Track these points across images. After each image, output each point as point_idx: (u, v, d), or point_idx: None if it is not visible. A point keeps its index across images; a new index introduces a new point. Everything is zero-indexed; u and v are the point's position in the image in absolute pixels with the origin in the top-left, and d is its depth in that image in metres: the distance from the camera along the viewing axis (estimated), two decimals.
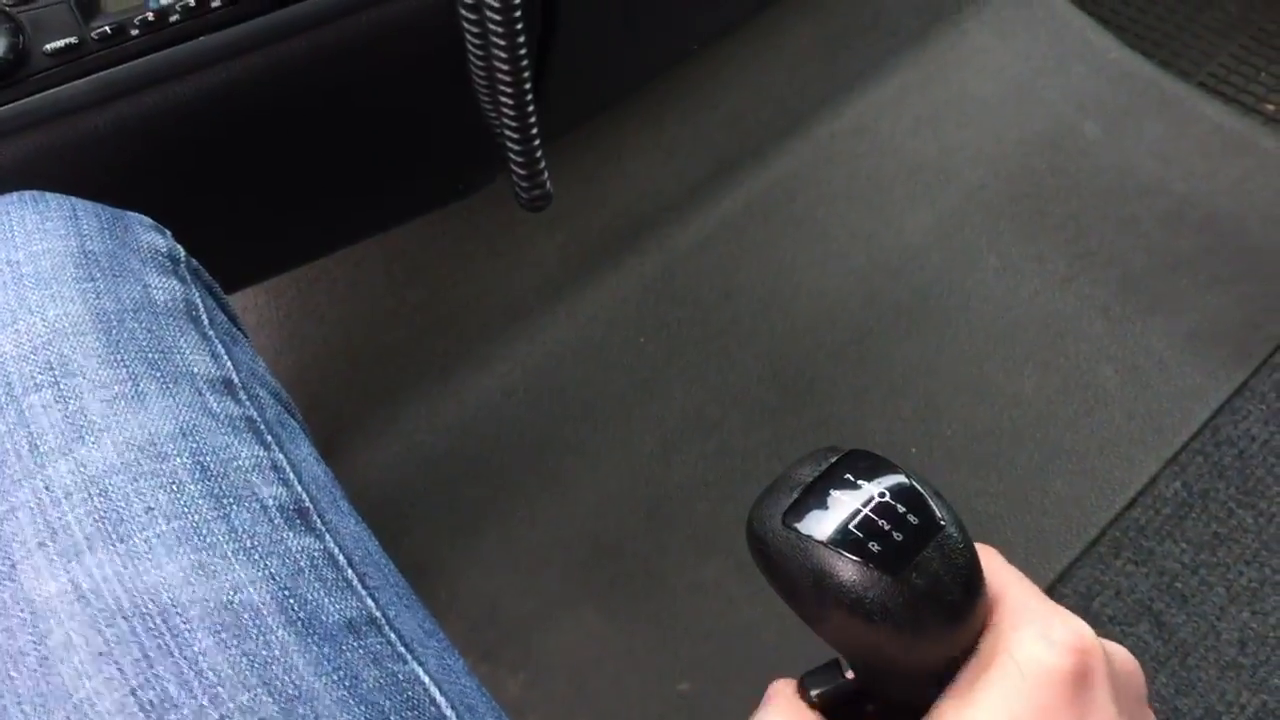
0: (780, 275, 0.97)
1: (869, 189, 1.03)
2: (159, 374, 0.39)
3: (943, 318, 0.96)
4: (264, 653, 0.33)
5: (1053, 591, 0.83)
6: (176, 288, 0.42)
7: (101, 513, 0.35)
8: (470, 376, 0.91)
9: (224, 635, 0.33)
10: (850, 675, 0.40)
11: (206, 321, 0.42)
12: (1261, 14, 1.18)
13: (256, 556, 0.35)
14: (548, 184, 0.58)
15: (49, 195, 0.44)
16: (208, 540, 0.35)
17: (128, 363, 0.39)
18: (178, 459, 0.36)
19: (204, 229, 0.51)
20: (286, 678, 0.33)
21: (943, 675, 0.40)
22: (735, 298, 0.96)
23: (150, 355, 0.39)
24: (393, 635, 0.36)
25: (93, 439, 0.36)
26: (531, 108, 0.52)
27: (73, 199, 0.44)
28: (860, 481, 0.39)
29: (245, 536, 0.35)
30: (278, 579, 0.35)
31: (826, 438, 0.89)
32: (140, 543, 0.34)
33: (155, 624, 0.33)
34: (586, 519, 0.86)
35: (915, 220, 1.01)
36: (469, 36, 0.53)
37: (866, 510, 0.38)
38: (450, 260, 0.92)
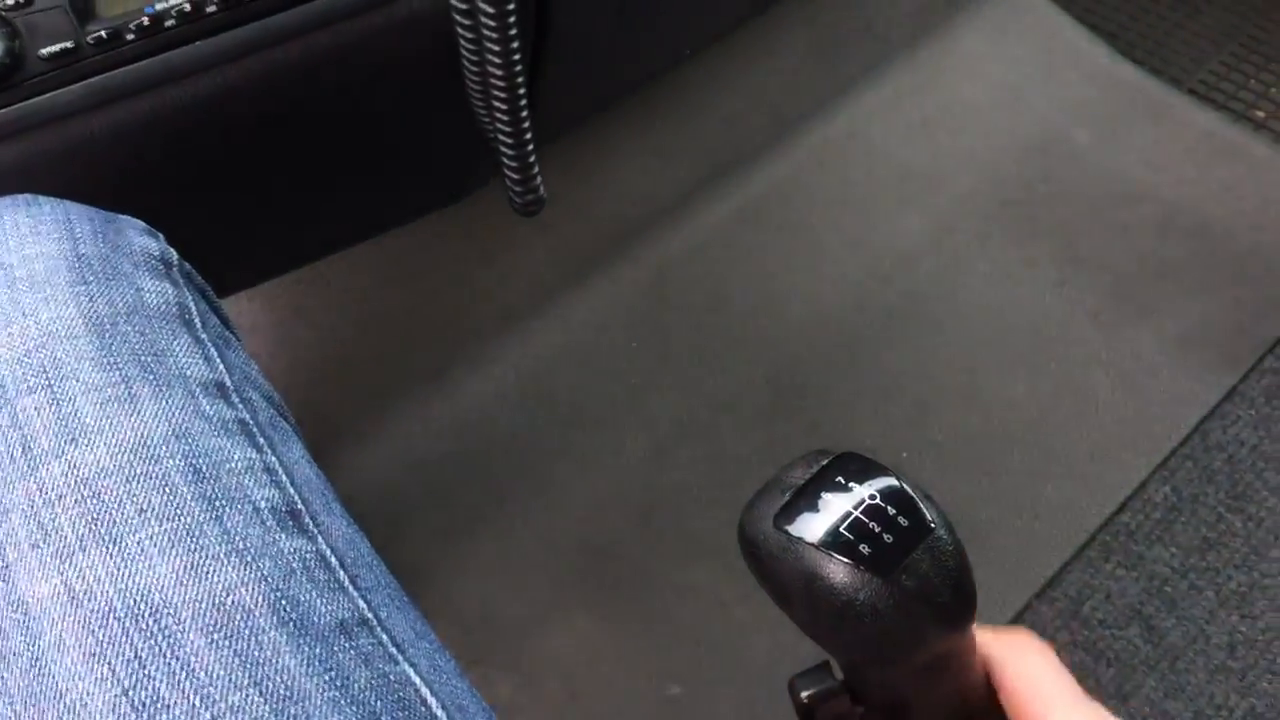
0: (772, 280, 0.97)
1: (861, 194, 1.03)
2: (152, 377, 0.39)
3: (934, 323, 0.97)
4: (255, 653, 0.33)
5: (1043, 595, 0.83)
6: (169, 291, 0.43)
7: (94, 514, 0.35)
8: (462, 380, 0.91)
9: (216, 636, 0.33)
10: (841, 677, 0.41)
11: (199, 324, 0.42)
12: (1251, 21, 1.19)
13: (249, 558, 0.35)
14: (541, 188, 0.58)
15: (42, 199, 0.44)
16: (200, 542, 0.35)
17: (120, 366, 0.39)
18: (170, 461, 0.36)
19: (198, 233, 0.51)
20: (278, 678, 0.33)
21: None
22: (727, 303, 0.97)
23: (143, 358, 0.39)
24: (384, 636, 0.36)
25: (85, 441, 0.37)
26: (525, 112, 0.52)
27: (66, 203, 0.44)
28: (851, 484, 0.39)
29: (238, 538, 0.35)
30: (270, 580, 0.35)
31: (818, 442, 0.89)
32: (133, 544, 0.34)
33: (147, 625, 0.33)
34: (578, 523, 0.86)
35: (906, 226, 1.02)
36: (462, 40, 0.53)
37: (857, 513, 0.38)
38: (442, 265, 0.92)
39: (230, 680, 0.32)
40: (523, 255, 0.95)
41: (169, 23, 0.52)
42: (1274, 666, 0.81)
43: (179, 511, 0.35)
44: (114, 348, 0.39)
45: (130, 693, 0.32)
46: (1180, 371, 0.94)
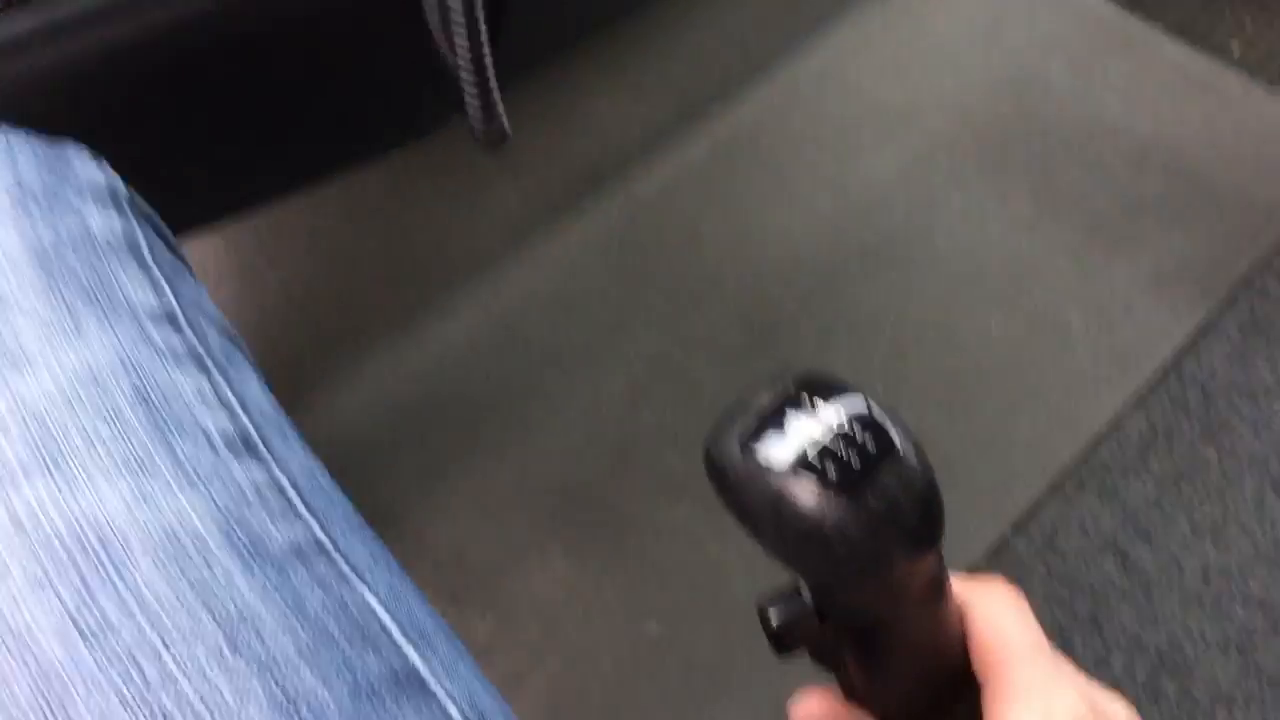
0: (746, 219, 0.97)
1: (834, 133, 1.02)
2: (97, 306, 0.38)
3: (909, 261, 0.96)
4: (206, 577, 0.32)
5: (1018, 529, 0.84)
6: (116, 220, 0.42)
7: (39, 442, 0.34)
8: (434, 324, 0.90)
9: (165, 561, 0.32)
10: (809, 600, 0.40)
11: (148, 254, 0.41)
12: None
13: (200, 485, 0.34)
14: (503, 120, 0.57)
15: None
16: (149, 469, 0.34)
17: (65, 295, 0.38)
18: (118, 389, 0.36)
19: (151, 170, 0.50)
20: (230, 602, 0.32)
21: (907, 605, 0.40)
22: (701, 243, 0.96)
23: (88, 287, 0.38)
24: (341, 561, 0.36)
25: (30, 370, 0.36)
26: (484, 35, 0.51)
27: (8, 131, 0.43)
28: (818, 405, 0.39)
29: (188, 465, 0.35)
30: (221, 506, 0.34)
31: None
32: (79, 471, 0.34)
33: (94, 551, 0.32)
34: (554, 464, 0.86)
35: (881, 164, 1.01)
36: None
37: (825, 434, 0.38)
38: (411, 208, 0.91)
39: (180, 604, 0.32)
40: (494, 197, 0.94)
41: None
42: (1246, 594, 0.82)
43: (127, 439, 0.35)
44: (59, 277, 0.38)
45: (77, 618, 0.31)
46: (1155, 306, 0.93)
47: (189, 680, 0.31)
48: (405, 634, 0.35)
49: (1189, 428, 0.88)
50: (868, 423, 0.39)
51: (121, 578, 0.32)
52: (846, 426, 0.38)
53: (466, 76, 0.53)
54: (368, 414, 0.86)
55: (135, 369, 0.36)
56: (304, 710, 0.31)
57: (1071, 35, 1.09)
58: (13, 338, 0.36)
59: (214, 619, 0.32)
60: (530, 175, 0.96)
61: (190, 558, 0.33)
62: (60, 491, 0.33)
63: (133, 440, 0.35)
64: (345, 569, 0.36)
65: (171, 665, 0.31)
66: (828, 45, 1.07)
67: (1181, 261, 0.95)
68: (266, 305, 0.87)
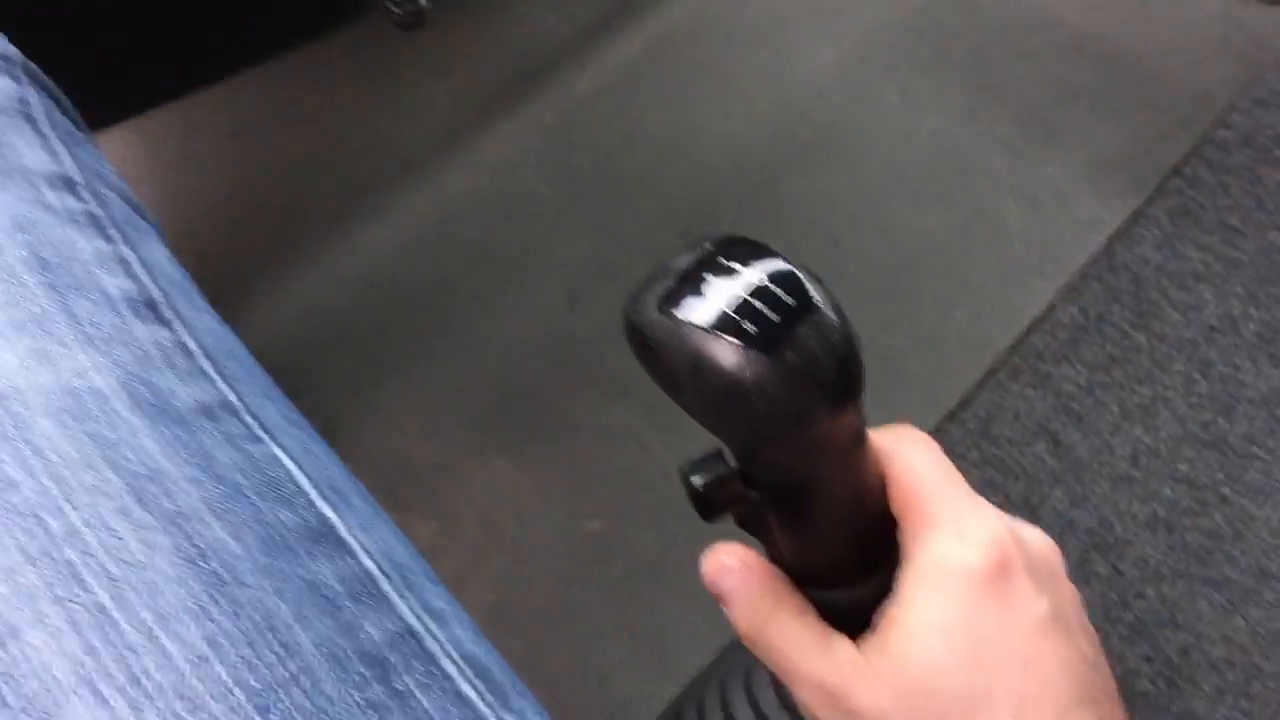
0: (681, 118, 0.96)
1: (770, 28, 1.01)
2: None
3: (845, 156, 0.96)
4: (110, 435, 0.32)
5: (953, 417, 0.85)
6: (9, 86, 0.40)
7: None
8: (366, 229, 0.89)
9: (66, 419, 0.32)
10: (733, 463, 0.41)
11: (43, 121, 0.40)
12: None
13: (100, 344, 0.34)
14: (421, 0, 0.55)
15: None
16: (47, 329, 0.33)
17: None
18: (12, 251, 0.35)
19: (56, 53, 0.48)
20: (135, 458, 0.32)
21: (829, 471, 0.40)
22: (636, 143, 0.95)
23: None
24: (250, 420, 0.35)
25: None
26: None
27: None
28: (736, 266, 0.39)
29: (88, 325, 0.34)
30: (124, 365, 0.34)
31: None
32: None
33: None
34: (492, 368, 0.86)
35: (817, 59, 1.00)
36: None
37: (743, 293, 0.37)
38: (338, 109, 0.89)
39: (83, 461, 0.31)
40: (423, 97, 0.92)
41: None
42: (1175, 474, 0.84)
43: (23, 299, 0.34)
44: None
45: None
46: (1088, 196, 0.94)
47: (94, 534, 0.30)
48: (319, 490, 0.35)
49: (1120, 314, 0.90)
50: (786, 281, 0.39)
51: (21, 435, 0.31)
52: (764, 285, 0.38)
53: None
54: (300, 321, 0.85)
55: (30, 230, 0.35)
56: (214, 562, 0.31)
57: None
58: None
59: (118, 475, 0.31)
60: (460, 74, 0.94)
61: (92, 415, 0.32)
62: None
63: (29, 301, 0.34)
64: (256, 428, 0.35)
65: (76, 520, 0.31)
66: None
67: (1114, 151, 0.96)
68: (190, 209, 0.85)
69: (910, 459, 0.39)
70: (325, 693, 0.30)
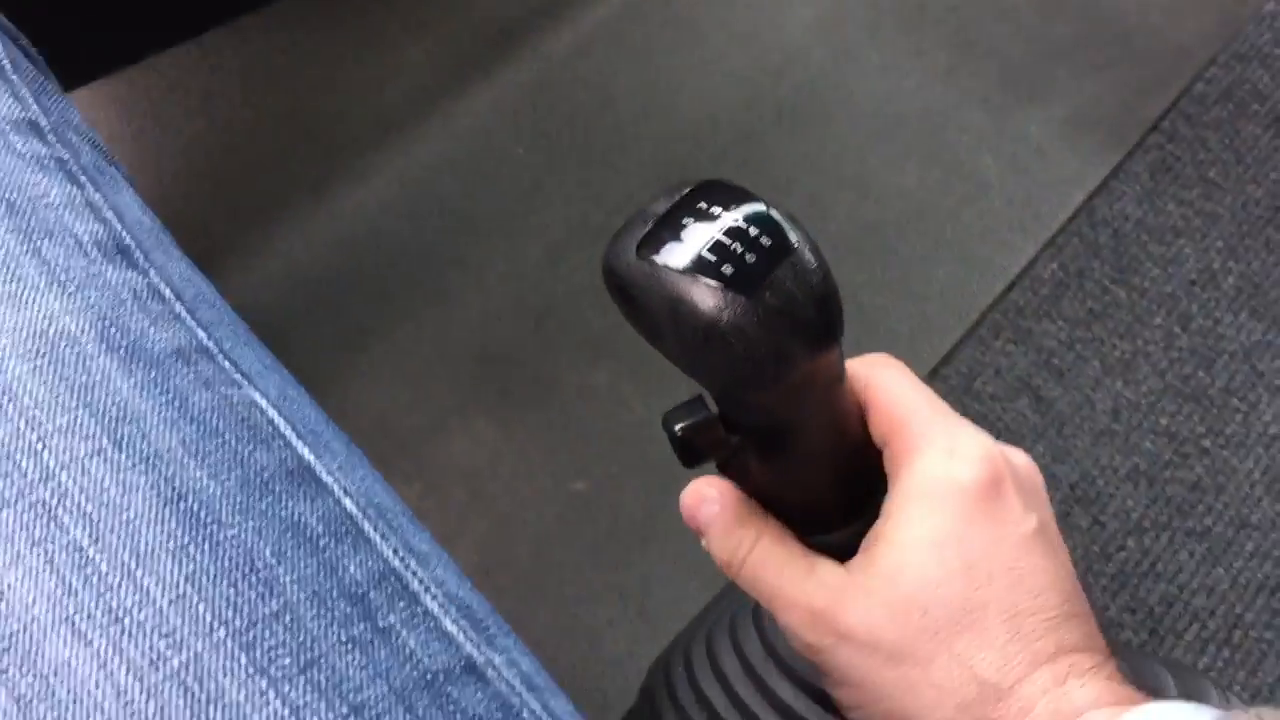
0: (660, 78, 0.95)
1: None
2: None
3: (824, 115, 0.95)
4: (83, 378, 0.32)
5: (935, 374, 0.85)
6: None
7: None
8: (344, 192, 0.88)
9: (39, 362, 0.31)
10: (714, 409, 0.40)
11: (9, 66, 0.39)
12: None
13: (72, 288, 0.33)
14: None
15: None
16: (15, 273, 0.33)
17: None
18: None
19: (20, 11, 0.47)
20: (109, 400, 0.31)
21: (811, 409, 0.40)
22: (615, 104, 0.94)
23: None
24: (227, 364, 0.35)
25: None
26: None
27: None
28: (714, 210, 0.38)
29: (58, 269, 0.34)
30: (96, 309, 0.33)
31: None
32: None
33: None
34: (474, 330, 0.85)
35: (795, 18, 0.99)
36: None
37: (720, 236, 0.37)
38: (313, 69, 0.88)
39: (57, 403, 0.31)
40: (398, 58, 0.91)
41: None
42: (1155, 427, 0.84)
43: None
44: None
45: None
46: (1068, 152, 0.94)
47: (70, 476, 0.30)
48: (297, 433, 0.34)
49: (1100, 269, 0.90)
50: (763, 223, 0.39)
51: None
52: (742, 228, 0.38)
53: None
54: (278, 285, 0.84)
55: None
56: (192, 502, 0.31)
57: None
58: None
59: (93, 417, 0.31)
60: (435, 35, 0.93)
61: (65, 359, 0.32)
62: None
63: None
64: (232, 372, 0.35)
65: (50, 461, 0.30)
66: None
67: (1094, 107, 0.96)
68: (163, 172, 0.84)
69: (889, 384, 0.39)
70: (308, 630, 0.30)
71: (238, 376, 0.35)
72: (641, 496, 0.80)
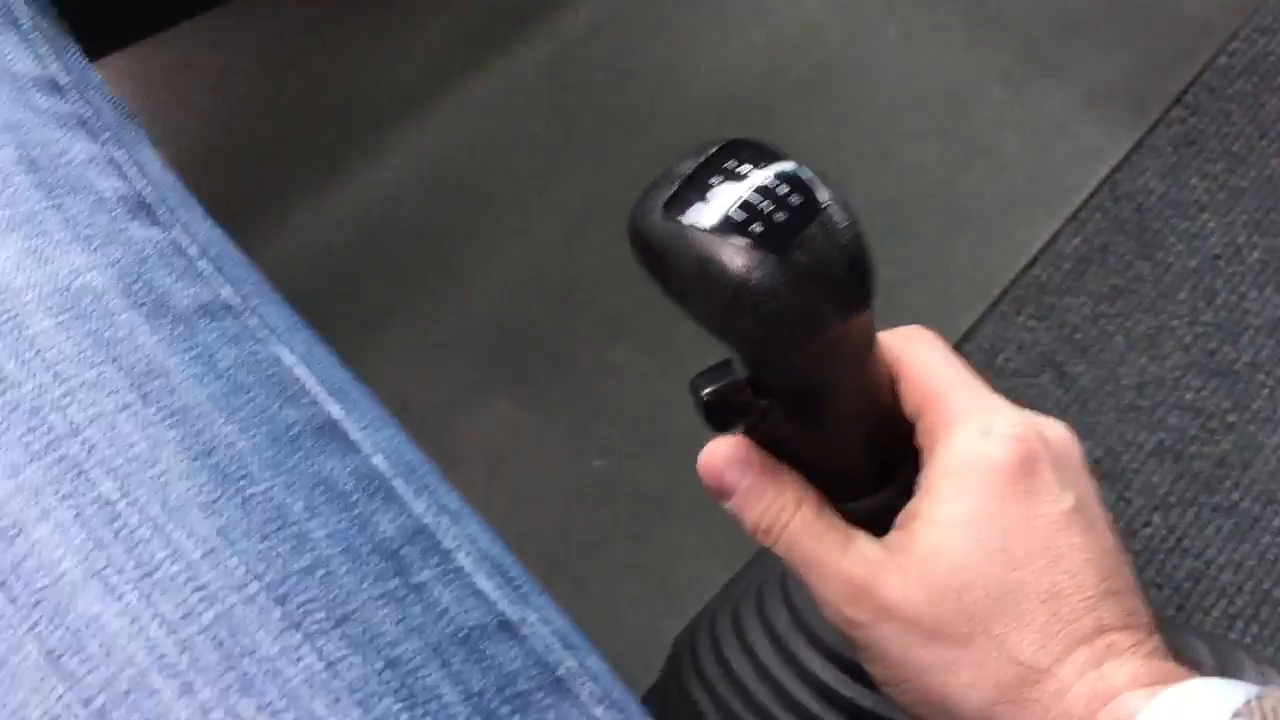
0: (677, 55, 0.94)
1: None
2: None
3: (844, 91, 0.95)
4: (109, 333, 0.31)
5: (958, 350, 0.84)
6: None
7: None
8: (360, 170, 0.87)
9: (64, 317, 0.31)
10: (742, 373, 0.40)
11: (27, 25, 0.39)
12: None
13: (95, 244, 0.33)
14: None
15: None
16: (39, 228, 0.32)
17: None
18: (1, 152, 0.34)
19: None
20: (136, 355, 0.31)
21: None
22: (632, 80, 0.93)
23: None
24: (253, 320, 0.34)
25: None
26: None
27: None
28: (743, 168, 0.38)
29: (82, 225, 0.33)
30: (121, 265, 0.33)
31: None
32: None
33: None
34: (492, 308, 0.85)
35: None
36: None
37: (749, 194, 0.37)
38: (329, 47, 0.88)
39: (83, 358, 0.31)
40: (415, 36, 0.91)
41: None
42: (1180, 402, 0.83)
43: (13, 200, 0.33)
44: None
45: None
46: (1090, 126, 0.93)
47: (98, 430, 0.30)
48: (325, 390, 0.34)
49: (1124, 244, 0.89)
50: (793, 181, 0.38)
51: (18, 333, 0.31)
52: (772, 186, 0.37)
53: None
54: (295, 263, 0.84)
55: (17, 131, 0.35)
56: (222, 457, 0.30)
57: None
58: None
59: (120, 372, 0.31)
60: (452, 12, 0.92)
61: (89, 314, 0.31)
62: None
63: (19, 201, 0.33)
64: (258, 328, 0.34)
65: (78, 416, 0.30)
66: None
67: (1116, 81, 0.95)
68: (180, 150, 0.83)
69: (923, 357, 0.39)
70: (342, 585, 0.29)
71: (264, 333, 0.34)
72: (662, 472, 0.80)
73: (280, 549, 0.29)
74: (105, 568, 0.28)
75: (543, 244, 0.87)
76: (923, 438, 0.37)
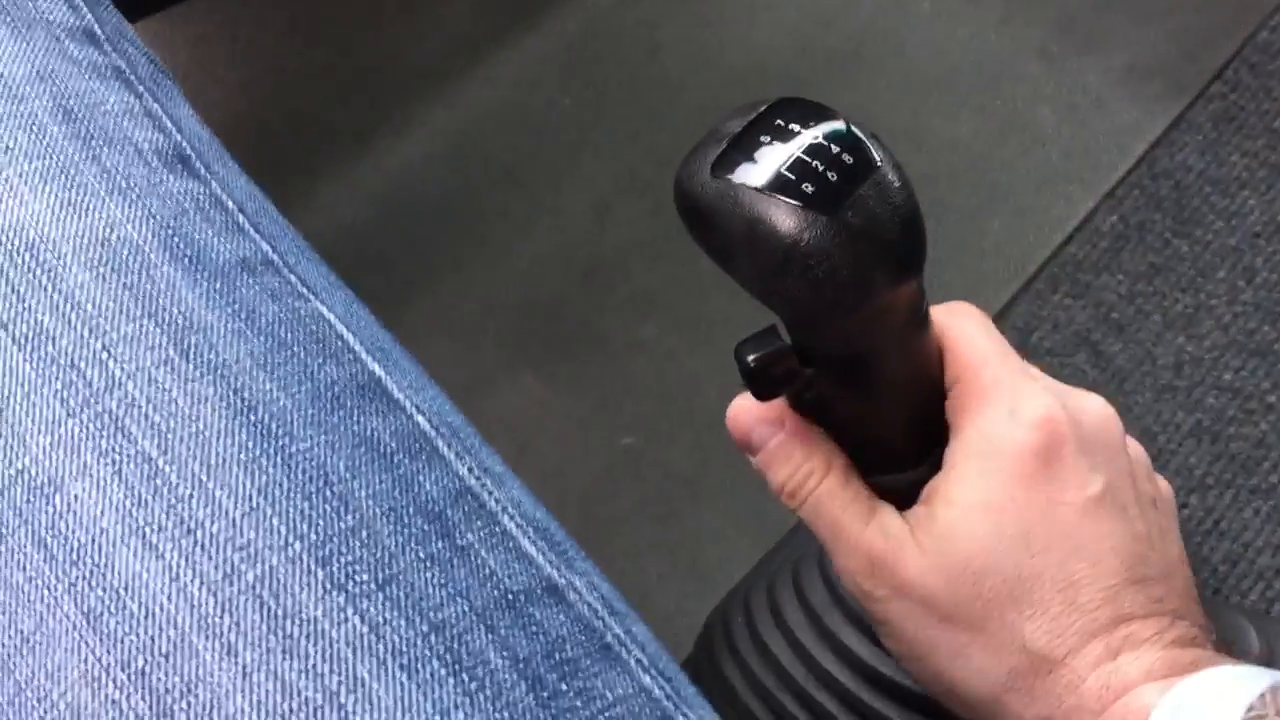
0: (707, 27, 0.93)
1: None
2: (8, 19, 0.35)
3: (877, 66, 0.93)
4: (147, 287, 0.30)
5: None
6: None
7: None
8: (388, 144, 0.87)
9: (102, 270, 0.30)
10: (787, 340, 0.39)
11: None
12: None
13: (133, 196, 0.32)
14: None
15: None
16: (76, 180, 0.32)
17: None
18: (36, 101, 0.33)
19: None
20: (175, 309, 0.30)
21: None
22: (661, 53, 0.92)
23: None
24: (292, 277, 0.34)
25: None
26: None
27: None
28: (793, 127, 0.37)
29: (119, 176, 0.32)
30: (158, 218, 0.32)
31: None
32: None
33: (22, 259, 0.30)
34: (520, 284, 0.84)
35: None
36: None
37: (800, 153, 0.36)
38: (357, 19, 0.87)
39: (121, 312, 0.30)
40: (442, 9, 0.90)
41: None
42: (1219, 383, 0.82)
43: (50, 150, 0.32)
44: None
45: (10, 326, 0.29)
46: (1127, 102, 0.91)
47: (137, 385, 0.29)
48: (365, 348, 0.33)
49: (1162, 222, 0.87)
50: (845, 141, 0.37)
51: (55, 285, 0.30)
52: (823, 145, 0.36)
53: None
54: (322, 239, 0.82)
55: (53, 81, 0.34)
56: (263, 414, 0.30)
57: None
58: None
59: (159, 326, 0.30)
60: None
61: (128, 266, 0.31)
62: None
63: (55, 151, 0.32)
64: (298, 285, 0.34)
65: (116, 370, 0.29)
66: None
67: (1153, 56, 0.93)
68: (208, 122, 0.83)
69: (964, 331, 0.38)
70: (385, 546, 0.29)
71: (304, 290, 0.34)
72: (691, 451, 0.79)
73: (322, 509, 0.29)
74: (145, 525, 0.28)
75: (571, 219, 0.86)
76: (951, 408, 0.37)
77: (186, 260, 0.32)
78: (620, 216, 0.87)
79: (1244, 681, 0.30)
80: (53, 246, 0.31)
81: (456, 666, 0.27)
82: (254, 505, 0.28)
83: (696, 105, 0.91)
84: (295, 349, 0.31)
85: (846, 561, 0.35)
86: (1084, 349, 0.83)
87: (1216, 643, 0.36)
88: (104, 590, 0.27)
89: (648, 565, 0.76)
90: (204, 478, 0.28)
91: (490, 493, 0.32)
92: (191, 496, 0.28)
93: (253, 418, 0.29)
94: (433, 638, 0.27)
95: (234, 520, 0.28)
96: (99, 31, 0.38)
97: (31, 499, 0.28)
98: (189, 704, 0.26)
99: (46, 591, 0.28)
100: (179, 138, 0.36)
